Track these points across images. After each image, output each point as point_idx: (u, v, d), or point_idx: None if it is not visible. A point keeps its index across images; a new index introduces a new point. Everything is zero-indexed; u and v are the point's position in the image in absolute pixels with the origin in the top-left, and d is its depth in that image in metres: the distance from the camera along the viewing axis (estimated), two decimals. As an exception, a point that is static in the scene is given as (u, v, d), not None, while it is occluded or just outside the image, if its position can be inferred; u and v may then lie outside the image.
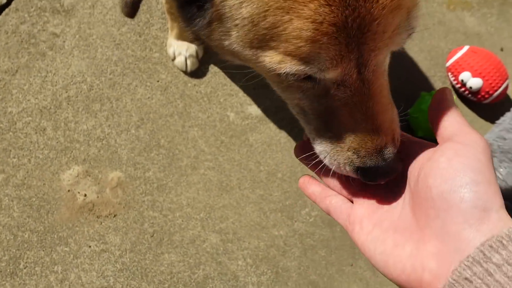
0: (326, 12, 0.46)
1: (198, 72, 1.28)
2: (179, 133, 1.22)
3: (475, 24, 1.49)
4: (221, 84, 1.28)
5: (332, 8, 0.45)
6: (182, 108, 1.24)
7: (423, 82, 1.40)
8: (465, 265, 0.40)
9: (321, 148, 0.59)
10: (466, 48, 1.35)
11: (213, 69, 1.29)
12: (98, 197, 1.14)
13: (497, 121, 1.33)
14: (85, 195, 1.14)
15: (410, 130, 1.31)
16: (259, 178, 1.22)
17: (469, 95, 1.33)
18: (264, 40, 0.51)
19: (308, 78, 0.53)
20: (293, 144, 1.25)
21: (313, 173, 0.64)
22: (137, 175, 1.17)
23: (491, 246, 0.40)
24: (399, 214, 0.51)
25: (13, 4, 1.25)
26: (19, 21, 1.24)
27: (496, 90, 1.30)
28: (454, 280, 0.40)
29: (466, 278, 0.39)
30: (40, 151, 1.15)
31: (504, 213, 0.43)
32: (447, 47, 1.43)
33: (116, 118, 1.21)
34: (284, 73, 0.51)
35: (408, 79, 1.38)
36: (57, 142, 1.16)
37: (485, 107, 1.37)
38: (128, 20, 1.28)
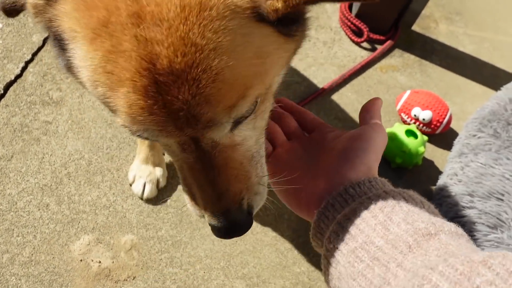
0: (133, 98, 0.50)
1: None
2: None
3: (406, 80, 1.78)
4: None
5: (138, 96, 0.50)
6: (181, 170, 1.28)
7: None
8: (340, 189, 0.59)
9: (186, 196, 0.65)
10: (408, 91, 1.60)
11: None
12: (113, 262, 1.08)
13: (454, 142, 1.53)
14: (100, 261, 1.07)
15: (387, 162, 1.46)
16: (268, 222, 1.25)
17: (424, 127, 1.54)
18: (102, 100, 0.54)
19: None
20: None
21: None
22: (150, 235, 1.14)
23: (355, 184, 0.59)
24: (304, 164, 0.69)
25: (2, 102, 1.29)
26: (10, 114, 1.27)
27: (444, 118, 1.53)
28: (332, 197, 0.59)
29: (339, 194, 0.59)
30: (46, 226, 1.10)
31: (376, 176, 0.64)
32: (391, 98, 1.68)
33: (119, 186, 1.21)
34: (122, 125, 0.54)
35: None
36: (63, 215, 1.12)
37: (439, 137, 1.58)
38: (116, 104, 1.37)
